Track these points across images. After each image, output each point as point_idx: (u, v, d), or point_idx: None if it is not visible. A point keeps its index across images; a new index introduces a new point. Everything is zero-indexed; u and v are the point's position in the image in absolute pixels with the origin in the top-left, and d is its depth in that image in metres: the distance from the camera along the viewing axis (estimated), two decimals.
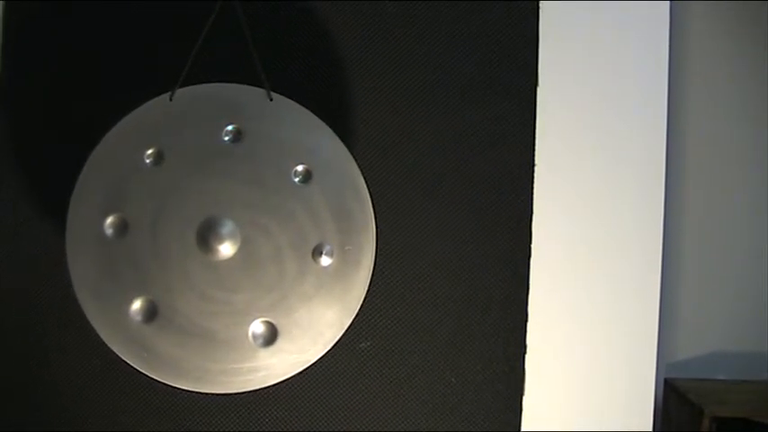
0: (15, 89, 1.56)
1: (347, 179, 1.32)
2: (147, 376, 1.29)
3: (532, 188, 1.60)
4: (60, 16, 1.56)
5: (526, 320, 1.60)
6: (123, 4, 1.56)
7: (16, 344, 1.55)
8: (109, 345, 1.28)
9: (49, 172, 1.54)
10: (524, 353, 1.60)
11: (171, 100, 1.33)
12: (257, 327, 1.29)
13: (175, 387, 1.29)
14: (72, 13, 1.56)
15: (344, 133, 1.54)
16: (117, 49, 1.56)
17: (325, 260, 1.30)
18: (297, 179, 1.31)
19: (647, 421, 1.62)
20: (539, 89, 1.60)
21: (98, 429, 1.55)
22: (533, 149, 1.60)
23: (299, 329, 1.29)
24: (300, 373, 1.31)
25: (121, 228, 1.30)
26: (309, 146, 1.32)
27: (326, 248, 1.30)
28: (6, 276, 1.56)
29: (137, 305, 1.28)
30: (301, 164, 1.32)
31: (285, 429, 1.57)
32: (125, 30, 1.56)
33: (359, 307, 1.32)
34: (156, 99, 1.33)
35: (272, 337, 1.29)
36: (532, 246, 1.60)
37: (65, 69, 1.56)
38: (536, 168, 1.60)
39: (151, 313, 1.28)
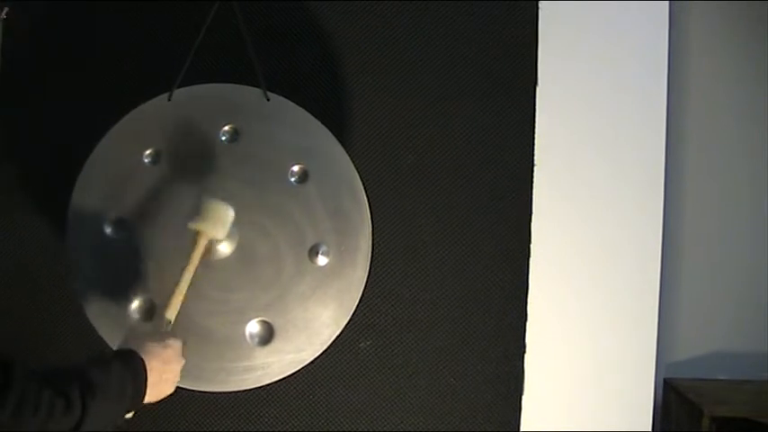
0: (15, 88, 1.57)
1: (344, 179, 1.32)
2: None
3: (532, 188, 1.60)
4: (60, 17, 1.57)
5: (525, 320, 1.60)
6: (122, 5, 1.56)
7: (17, 341, 1.56)
8: (109, 343, 1.29)
9: (49, 172, 1.55)
10: (524, 353, 1.60)
11: (169, 100, 1.33)
12: (254, 326, 1.29)
13: None
14: (71, 14, 1.57)
15: (342, 134, 1.55)
16: (116, 50, 1.57)
17: (322, 260, 1.30)
18: (293, 179, 1.32)
19: (647, 421, 1.62)
20: (538, 89, 1.60)
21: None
22: (533, 149, 1.60)
23: (295, 329, 1.29)
24: (300, 372, 1.31)
25: (120, 226, 1.31)
26: (306, 146, 1.32)
27: (323, 249, 1.30)
28: (7, 276, 1.57)
29: (136, 304, 1.29)
30: (298, 164, 1.31)
31: (286, 428, 1.58)
32: (124, 30, 1.57)
33: (355, 307, 1.32)
34: (155, 99, 1.34)
35: (268, 336, 1.29)
36: (532, 246, 1.60)
37: (65, 69, 1.57)
38: (535, 168, 1.60)
39: (149, 312, 1.29)
